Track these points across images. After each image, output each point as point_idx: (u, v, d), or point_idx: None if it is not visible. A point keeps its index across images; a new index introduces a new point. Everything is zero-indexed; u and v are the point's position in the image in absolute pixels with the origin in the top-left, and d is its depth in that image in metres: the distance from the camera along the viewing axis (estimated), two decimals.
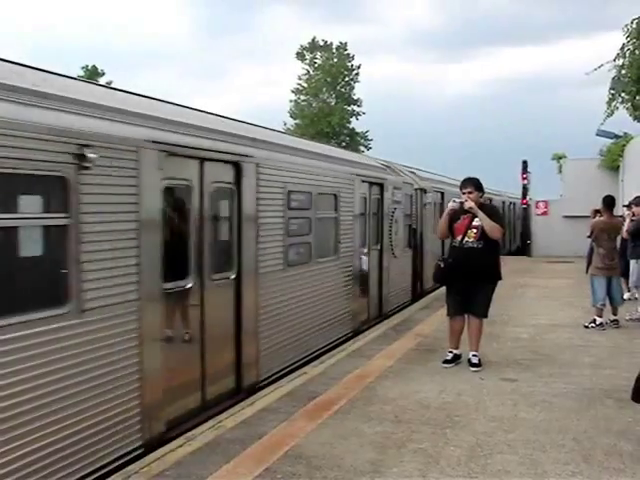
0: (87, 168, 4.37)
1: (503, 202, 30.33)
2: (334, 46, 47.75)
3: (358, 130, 48.97)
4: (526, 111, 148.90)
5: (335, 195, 9.10)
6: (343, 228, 9.34)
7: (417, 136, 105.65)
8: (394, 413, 5.74)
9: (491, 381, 6.79)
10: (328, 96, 47.96)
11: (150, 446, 4.97)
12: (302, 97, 48.02)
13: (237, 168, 6.46)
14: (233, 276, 6.43)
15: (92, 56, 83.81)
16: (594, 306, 9.90)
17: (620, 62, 13.19)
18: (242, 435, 5.19)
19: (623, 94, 13.57)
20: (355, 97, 48.30)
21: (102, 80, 38.84)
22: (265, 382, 6.87)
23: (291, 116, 47.81)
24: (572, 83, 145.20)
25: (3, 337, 3.81)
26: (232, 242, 6.49)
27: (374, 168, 11.37)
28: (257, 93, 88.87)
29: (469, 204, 7.22)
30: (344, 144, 43.72)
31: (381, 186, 11.11)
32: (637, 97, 13.39)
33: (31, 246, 4.44)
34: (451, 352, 7.52)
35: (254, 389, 6.63)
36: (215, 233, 6.30)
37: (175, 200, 5.74)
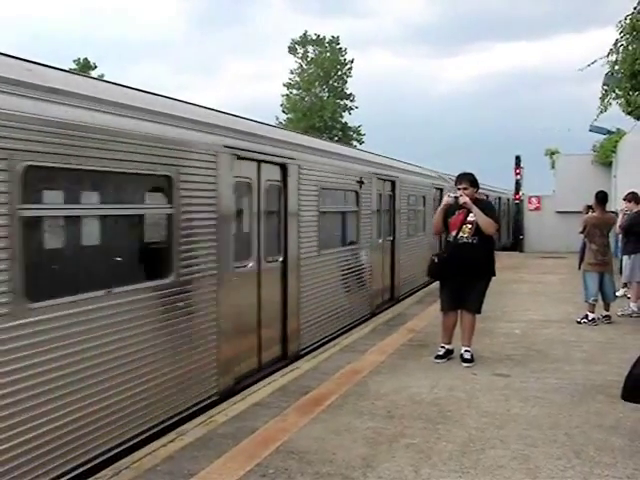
0: (362, 187, 10.41)
1: (508, 199, 30.95)
2: (326, 40, 47.66)
3: (351, 124, 49.00)
4: (520, 106, 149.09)
5: (424, 197, 15.11)
6: (427, 217, 14.81)
7: (410, 130, 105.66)
8: (386, 408, 5.73)
9: (483, 376, 6.80)
10: (320, 90, 47.90)
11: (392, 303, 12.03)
12: (294, 91, 47.95)
13: (393, 184, 12.53)
14: (390, 239, 12.45)
15: (80, 46, 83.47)
16: (586, 302, 9.92)
17: (613, 58, 13.17)
18: (234, 430, 5.17)
19: (616, 90, 13.55)
20: (348, 92, 48.30)
21: (94, 73, 38.58)
22: (402, 297, 12.95)
23: (283, 111, 47.77)
24: (566, 78, 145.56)
25: (326, 258, 9.01)
26: (390, 222, 12.48)
27: (437, 178, 16.98)
28: (249, 87, 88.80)
29: (464, 199, 7.21)
30: (336, 138, 43.66)
31: (441, 190, 16.26)
32: (630, 93, 13.38)
33: (349, 220, 10.32)
34: (443, 347, 7.52)
35: (398, 300, 12.64)
36: (384, 218, 12.08)
37: (381, 200, 11.77)
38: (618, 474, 4.35)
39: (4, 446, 3.83)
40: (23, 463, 3.96)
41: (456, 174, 7.72)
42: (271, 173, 7.39)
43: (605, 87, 14.15)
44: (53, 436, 4.19)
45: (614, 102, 14.10)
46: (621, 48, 12.90)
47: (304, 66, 47.98)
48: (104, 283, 4.72)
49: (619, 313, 10.34)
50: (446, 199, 7.44)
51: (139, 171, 5.10)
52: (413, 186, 14.04)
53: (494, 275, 7.49)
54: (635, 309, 10.42)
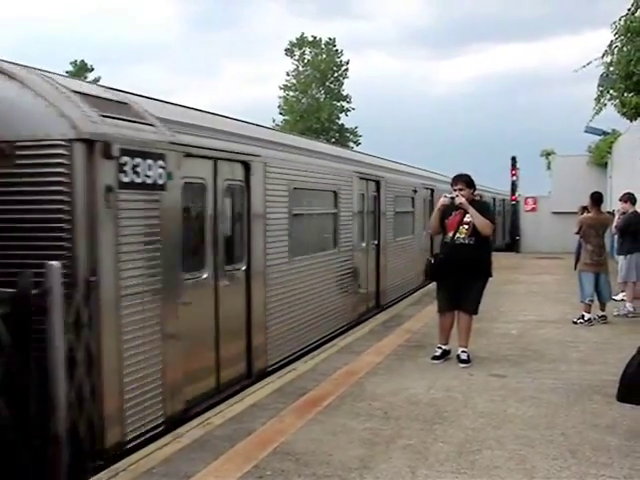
0: (415, 194, 14.42)
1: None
2: (323, 42, 47.61)
3: (347, 126, 48.98)
4: (516, 107, 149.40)
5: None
6: None
7: (407, 132, 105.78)
8: (383, 409, 5.73)
9: (480, 377, 6.81)
10: (317, 92, 47.86)
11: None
12: (291, 93, 47.89)
13: (432, 192, 15.74)
14: (424, 233, 14.87)
15: (79, 48, 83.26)
16: (582, 302, 9.94)
17: (608, 59, 13.16)
18: (231, 432, 5.17)
19: (611, 91, 13.56)
20: (344, 93, 48.27)
21: (90, 75, 38.50)
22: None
23: (280, 113, 47.71)
24: (562, 80, 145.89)
25: (398, 243, 13.21)
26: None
27: None
28: (246, 89, 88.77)
29: (460, 200, 7.22)
30: (333, 140, 43.64)
31: None
32: (625, 94, 13.39)
33: (408, 218, 14.21)
34: (440, 348, 7.53)
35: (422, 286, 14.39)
36: (426, 217, 13.85)
37: (424, 203, 15.14)
38: (614, 474, 4.36)
39: (299, 320, 8.09)
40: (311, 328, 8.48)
41: (452, 176, 7.75)
42: (372, 187, 11.55)
43: (600, 88, 14.15)
44: (308, 321, 8.40)
45: (609, 103, 14.09)
46: (616, 49, 12.90)
47: (300, 68, 47.96)
48: (316, 249, 8.90)
49: (615, 313, 10.37)
50: (442, 200, 7.45)
51: (327, 189, 9.38)
52: (443, 192, 16.49)
53: (491, 276, 7.50)
54: (631, 309, 10.44)
